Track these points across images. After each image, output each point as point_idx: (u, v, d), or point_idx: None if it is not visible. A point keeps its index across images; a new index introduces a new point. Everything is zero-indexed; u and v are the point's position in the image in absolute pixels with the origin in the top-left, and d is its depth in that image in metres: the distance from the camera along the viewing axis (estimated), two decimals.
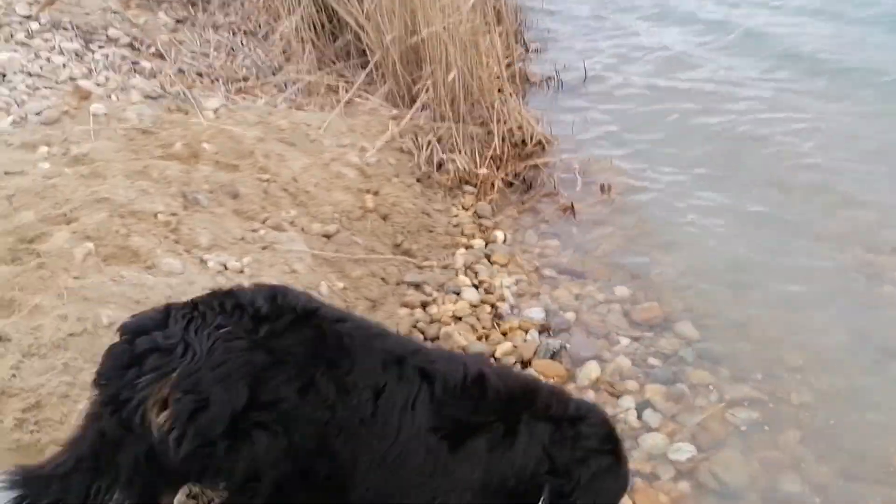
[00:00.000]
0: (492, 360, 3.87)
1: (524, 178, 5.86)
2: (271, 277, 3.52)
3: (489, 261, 4.82)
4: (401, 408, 1.96)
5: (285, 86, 5.71)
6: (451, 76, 5.25)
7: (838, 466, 3.34)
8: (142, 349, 1.69)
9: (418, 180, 5.36)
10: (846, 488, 3.32)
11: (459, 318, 4.13)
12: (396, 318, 3.91)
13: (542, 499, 2.13)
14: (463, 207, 5.39)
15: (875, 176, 5.74)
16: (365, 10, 5.61)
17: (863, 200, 5.40)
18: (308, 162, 4.64)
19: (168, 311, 1.81)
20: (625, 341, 4.17)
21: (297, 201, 4.31)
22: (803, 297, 4.50)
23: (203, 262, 3.51)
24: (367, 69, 5.77)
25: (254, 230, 3.93)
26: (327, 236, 4.21)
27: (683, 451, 3.41)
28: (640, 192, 5.71)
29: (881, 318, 4.32)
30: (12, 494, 1.67)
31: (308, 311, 1.94)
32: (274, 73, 6.14)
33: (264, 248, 3.76)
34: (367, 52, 5.91)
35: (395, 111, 5.58)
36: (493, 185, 5.57)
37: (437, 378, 2.04)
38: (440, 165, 5.58)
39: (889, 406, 3.75)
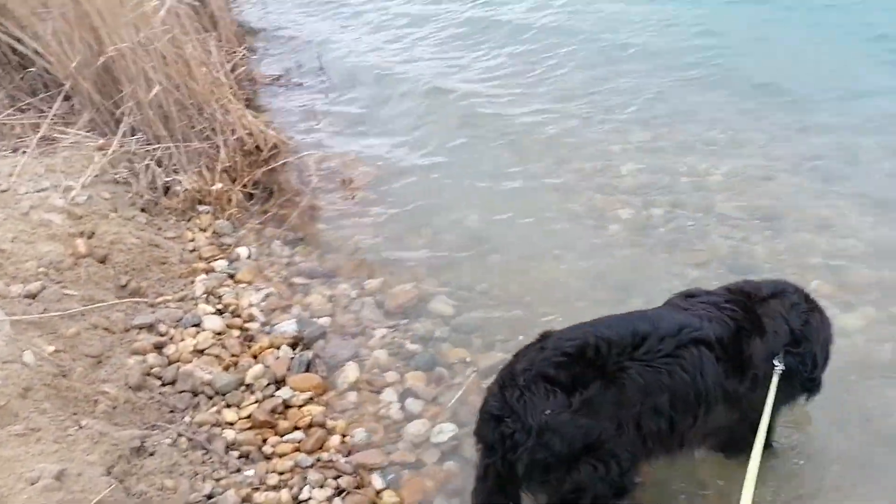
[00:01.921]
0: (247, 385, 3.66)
1: (264, 186, 5.61)
2: None
3: (234, 281, 4.53)
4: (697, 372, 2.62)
5: None
6: (152, 93, 4.84)
7: None
8: (509, 433, 2.47)
9: (143, 210, 4.91)
10: None
11: (202, 352, 3.83)
12: (125, 371, 3.53)
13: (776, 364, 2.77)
14: (200, 229, 5.02)
15: (586, 123, 6.20)
16: (43, 36, 4.99)
17: (585, 153, 5.79)
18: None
19: (504, 393, 2.54)
20: (380, 333, 4.11)
21: None
22: (541, 250, 4.72)
23: None
24: (59, 100, 5.17)
25: None
26: (32, 296, 3.70)
27: (445, 432, 3.42)
28: (383, 180, 5.69)
29: (612, 258, 4.64)
30: None
31: (609, 365, 2.53)
32: None
33: None
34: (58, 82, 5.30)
35: (101, 141, 5.06)
36: (230, 199, 5.25)
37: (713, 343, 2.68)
38: (168, 189, 5.17)
39: None
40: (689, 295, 2.97)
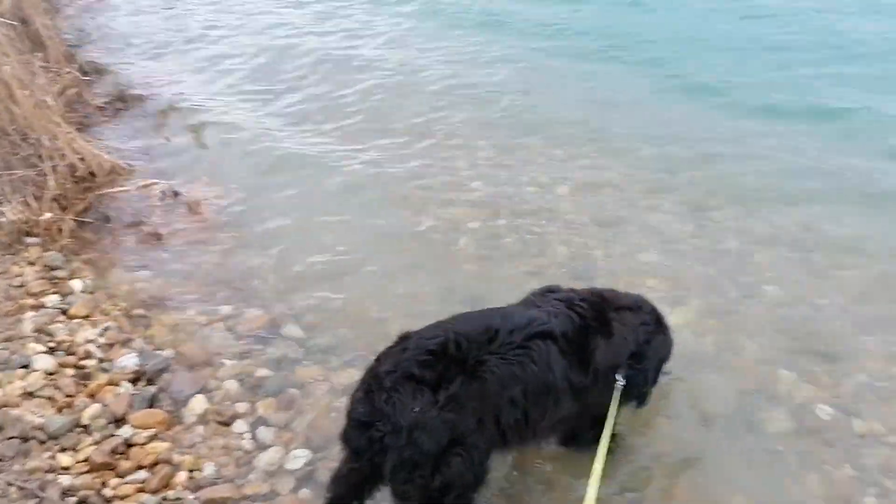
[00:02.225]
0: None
1: (101, 214, 5.31)
2: None
3: (67, 316, 4.25)
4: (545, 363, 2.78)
5: None
6: None
7: None
8: (378, 437, 2.51)
9: None
10: None
11: (32, 394, 3.56)
12: None
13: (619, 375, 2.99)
14: (28, 263, 4.67)
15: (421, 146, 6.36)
16: None
17: (429, 173, 5.92)
18: None
19: (371, 398, 2.57)
20: (230, 361, 3.98)
21: None
22: (393, 268, 4.77)
23: None
24: None
25: None
26: None
27: (299, 458, 3.37)
28: (230, 205, 5.54)
29: (461, 270, 4.77)
30: None
31: (469, 360, 2.64)
32: None
33: None
34: None
35: None
36: (60, 229, 4.93)
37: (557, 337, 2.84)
38: None
39: None
40: (548, 291, 3.14)
